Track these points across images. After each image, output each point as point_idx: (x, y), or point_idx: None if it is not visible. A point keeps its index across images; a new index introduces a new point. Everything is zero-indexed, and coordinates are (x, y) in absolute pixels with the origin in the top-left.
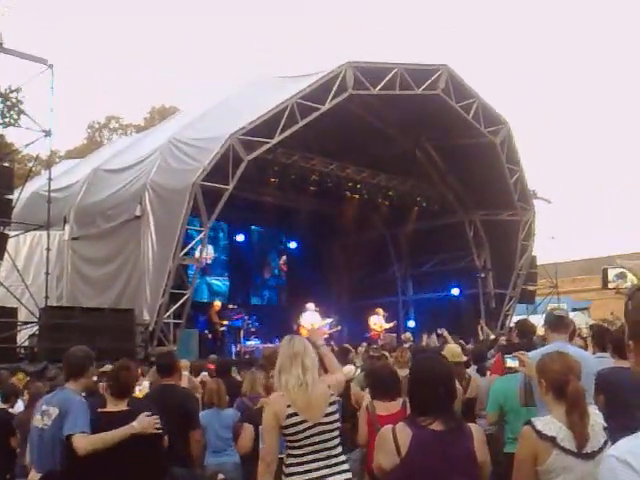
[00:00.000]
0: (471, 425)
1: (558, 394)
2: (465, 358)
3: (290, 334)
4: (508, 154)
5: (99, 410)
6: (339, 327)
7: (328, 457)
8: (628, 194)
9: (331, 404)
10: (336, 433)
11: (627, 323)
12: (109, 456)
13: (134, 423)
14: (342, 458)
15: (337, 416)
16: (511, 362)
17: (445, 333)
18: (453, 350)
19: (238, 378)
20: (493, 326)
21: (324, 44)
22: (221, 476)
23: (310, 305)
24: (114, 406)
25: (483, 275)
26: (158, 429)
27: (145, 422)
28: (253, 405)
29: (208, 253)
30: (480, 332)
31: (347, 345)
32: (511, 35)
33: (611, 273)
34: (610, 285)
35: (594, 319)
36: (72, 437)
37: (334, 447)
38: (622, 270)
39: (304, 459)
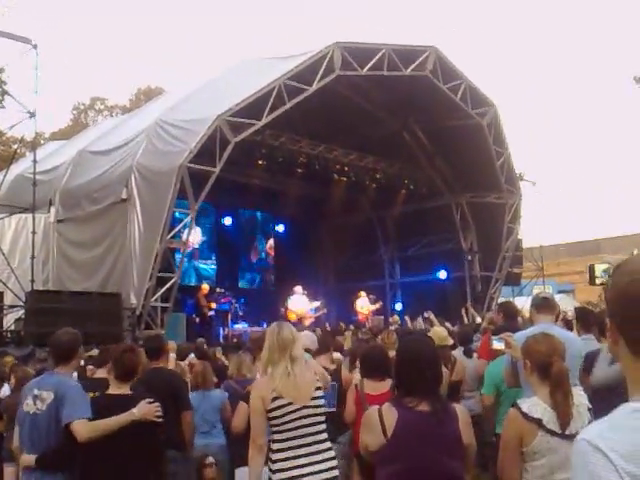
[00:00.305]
0: (456, 406)
1: (543, 375)
2: (451, 341)
3: (277, 320)
4: (495, 136)
5: (105, 392)
6: (325, 310)
7: (314, 442)
8: (614, 177)
9: (317, 389)
10: (322, 418)
11: (606, 302)
12: (108, 442)
13: (134, 410)
14: (327, 445)
15: (322, 401)
16: (497, 344)
17: (431, 316)
18: (439, 333)
19: (225, 361)
20: (479, 308)
21: (312, 24)
22: (210, 459)
23: (298, 288)
24: (117, 389)
25: (469, 258)
26: (158, 417)
27: (145, 409)
28: (241, 388)
29: (196, 237)
30: (465, 315)
31: (341, 325)
32: (498, 16)
33: (598, 269)
34: (597, 281)
35: (579, 302)
36: (72, 424)
37: (319, 432)
38: (609, 265)
39: (289, 444)
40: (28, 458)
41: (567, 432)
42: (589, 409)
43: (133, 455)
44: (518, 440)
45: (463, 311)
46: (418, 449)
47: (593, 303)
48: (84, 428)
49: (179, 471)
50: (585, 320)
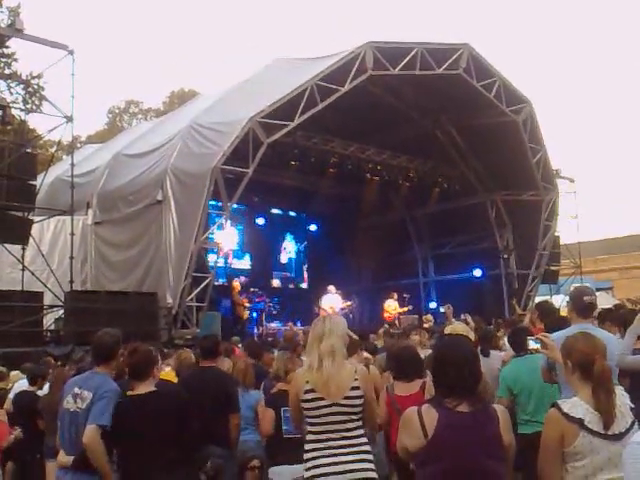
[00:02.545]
0: (495, 406)
1: (584, 374)
2: (473, 338)
3: (312, 318)
4: (531, 133)
5: (127, 393)
6: (349, 303)
7: (343, 438)
8: None
9: (354, 388)
10: (355, 417)
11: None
12: (140, 437)
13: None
14: (361, 440)
15: (359, 401)
16: (534, 344)
17: (469, 319)
18: (457, 329)
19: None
20: (517, 304)
21: (344, 24)
22: (256, 462)
23: (331, 288)
24: (137, 388)
25: (505, 256)
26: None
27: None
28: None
29: (232, 239)
30: (517, 306)
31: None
32: (534, 12)
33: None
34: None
35: (618, 299)
36: (90, 425)
37: (352, 429)
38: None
39: (319, 437)
40: (65, 459)
41: (610, 432)
42: (631, 409)
43: (164, 448)
44: (559, 441)
45: (514, 303)
46: (459, 450)
47: (632, 300)
48: (91, 435)
49: (227, 467)
50: (619, 319)
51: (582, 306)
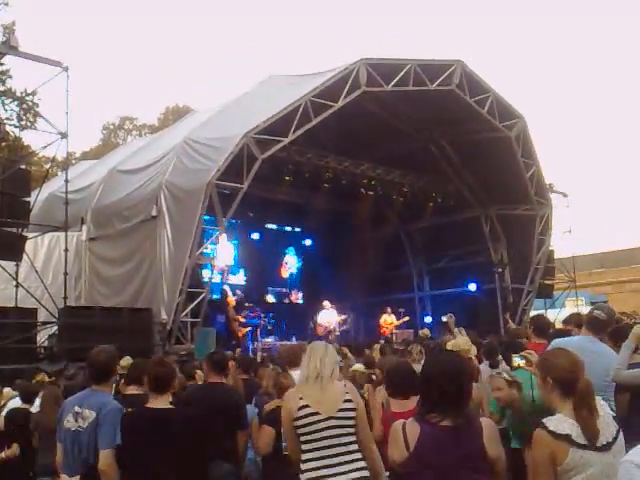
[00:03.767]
0: (483, 420)
1: (565, 391)
2: (474, 353)
3: (306, 333)
4: (524, 148)
5: (145, 406)
6: (343, 317)
7: (340, 454)
8: None
9: (346, 401)
10: (351, 430)
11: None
12: (153, 458)
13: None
14: (357, 455)
15: (352, 414)
16: (519, 361)
17: (451, 320)
18: (460, 345)
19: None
20: (511, 321)
21: (337, 41)
22: None
23: (326, 303)
24: (155, 402)
25: (500, 270)
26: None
27: None
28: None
29: (228, 255)
30: (510, 321)
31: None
32: (526, 27)
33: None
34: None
35: None
36: (104, 450)
37: (348, 443)
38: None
39: (316, 454)
40: (67, 479)
41: (598, 444)
42: (613, 417)
43: (173, 470)
44: (550, 460)
45: (507, 317)
46: (439, 464)
47: (627, 313)
48: (107, 460)
49: None
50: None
51: (591, 320)
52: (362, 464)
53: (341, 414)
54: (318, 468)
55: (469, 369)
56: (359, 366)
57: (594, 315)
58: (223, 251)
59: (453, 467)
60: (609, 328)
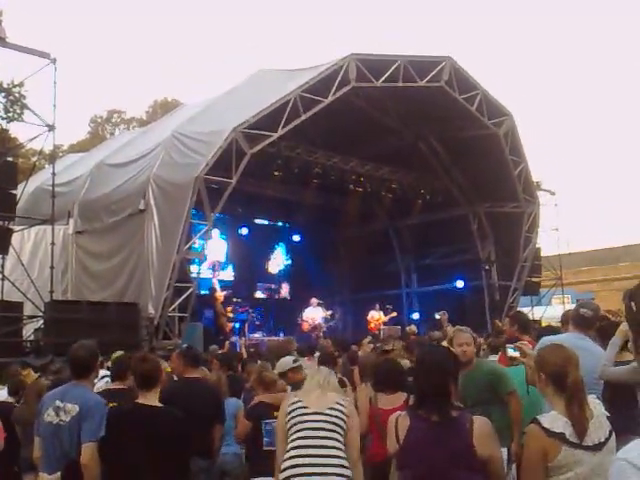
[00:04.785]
0: (477, 418)
1: (558, 386)
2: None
3: (293, 329)
4: (512, 146)
5: (135, 401)
6: (329, 312)
7: (322, 446)
8: (634, 185)
9: (338, 404)
10: (336, 428)
11: (631, 323)
12: (136, 454)
13: None
14: (336, 453)
15: (341, 415)
16: (512, 352)
17: (444, 317)
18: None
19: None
20: (497, 318)
21: (327, 37)
22: None
23: (313, 300)
24: (143, 398)
25: (487, 267)
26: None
27: None
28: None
29: (219, 250)
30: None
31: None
32: (514, 25)
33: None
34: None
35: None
36: (86, 444)
37: (332, 440)
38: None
39: (296, 444)
40: (47, 478)
41: (590, 443)
42: (608, 418)
43: (157, 468)
44: (542, 456)
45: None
46: (424, 457)
47: (613, 311)
48: (89, 454)
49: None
50: (603, 331)
51: (575, 316)
52: (344, 462)
53: (329, 412)
54: (295, 457)
55: (453, 366)
56: None
57: (580, 313)
58: (214, 247)
59: (439, 462)
60: (594, 325)
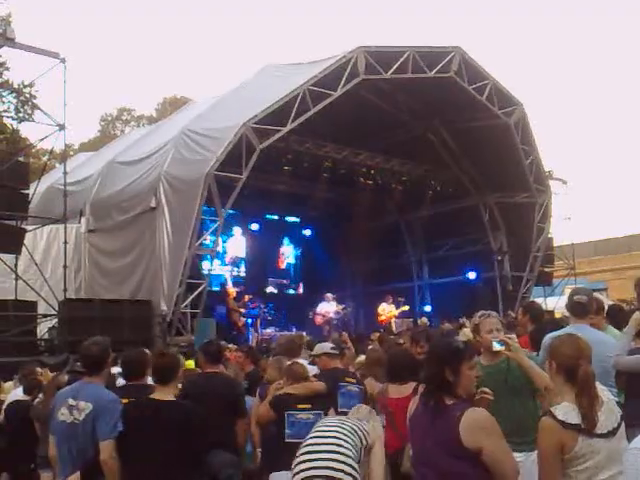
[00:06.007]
0: (472, 409)
1: (569, 377)
2: None
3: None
4: (523, 135)
5: (149, 397)
6: (342, 306)
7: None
8: None
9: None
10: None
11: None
12: (152, 448)
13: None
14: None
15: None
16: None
17: (467, 324)
18: (468, 334)
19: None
20: (510, 309)
21: (336, 29)
22: None
23: (328, 295)
24: (159, 393)
25: (499, 258)
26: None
27: None
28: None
29: (238, 246)
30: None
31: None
32: (524, 14)
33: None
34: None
35: (612, 299)
36: (104, 441)
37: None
38: None
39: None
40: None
41: (605, 430)
42: (621, 405)
43: (171, 458)
44: (559, 449)
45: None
46: (417, 438)
47: (627, 300)
48: (108, 451)
49: (235, 476)
50: (616, 318)
51: (572, 305)
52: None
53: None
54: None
55: (456, 357)
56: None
57: (576, 300)
58: (235, 244)
59: (427, 445)
60: (592, 309)
